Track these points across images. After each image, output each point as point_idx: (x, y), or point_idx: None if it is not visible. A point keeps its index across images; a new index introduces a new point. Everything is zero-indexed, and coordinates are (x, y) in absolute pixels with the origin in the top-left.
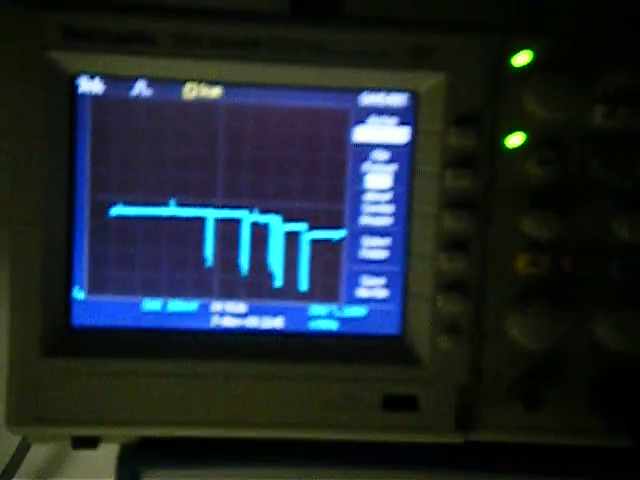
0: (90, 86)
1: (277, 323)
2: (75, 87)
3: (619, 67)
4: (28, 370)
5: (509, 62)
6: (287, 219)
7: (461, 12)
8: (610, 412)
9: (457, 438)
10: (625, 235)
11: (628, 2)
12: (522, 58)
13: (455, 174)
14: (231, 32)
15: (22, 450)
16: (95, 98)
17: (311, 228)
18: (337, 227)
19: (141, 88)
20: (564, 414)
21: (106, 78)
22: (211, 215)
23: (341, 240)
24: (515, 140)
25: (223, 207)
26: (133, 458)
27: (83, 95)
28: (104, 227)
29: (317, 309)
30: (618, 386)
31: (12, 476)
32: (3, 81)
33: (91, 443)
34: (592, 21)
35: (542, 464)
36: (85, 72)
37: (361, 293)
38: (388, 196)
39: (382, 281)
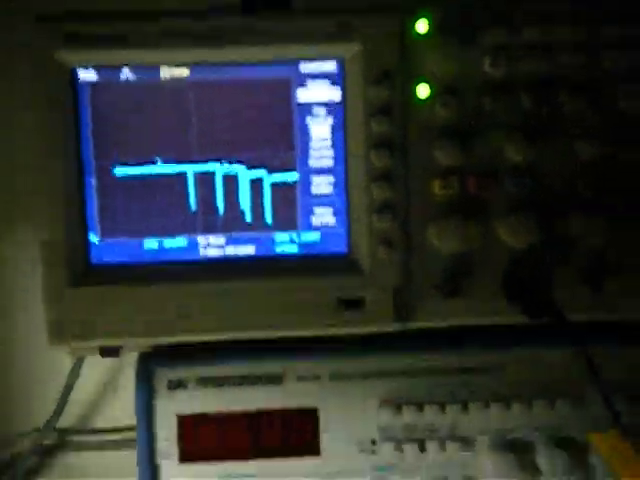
0: (87, 75)
1: (250, 250)
2: (75, 77)
3: (498, 27)
4: (60, 298)
5: (412, 30)
6: (250, 168)
7: None
8: (511, 296)
9: (397, 327)
10: (513, 157)
11: None
12: (422, 26)
13: (377, 120)
14: (194, 26)
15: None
16: (91, 84)
17: (270, 173)
18: (291, 170)
19: (127, 73)
20: (478, 301)
21: (98, 68)
22: (190, 170)
23: (295, 181)
24: (423, 91)
25: (199, 162)
26: (148, 360)
27: (82, 83)
28: (108, 185)
29: (280, 237)
30: (516, 275)
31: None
32: (21, 75)
33: (114, 352)
34: None
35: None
36: (82, 65)
37: (314, 221)
38: (328, 143)
39: (330, 210)
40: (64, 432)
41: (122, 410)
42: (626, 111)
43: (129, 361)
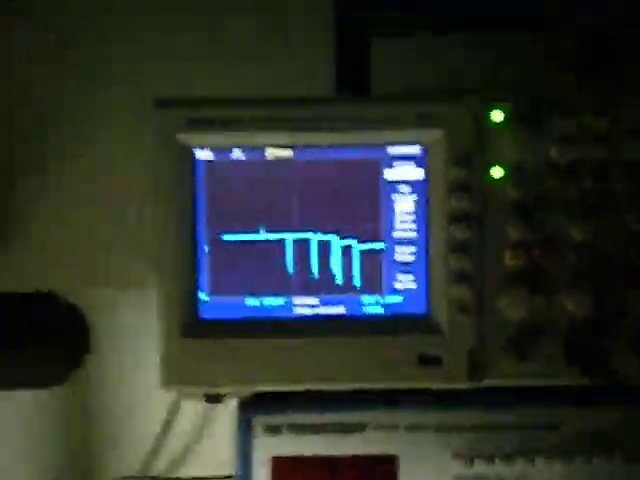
0: (203, 155)
1: (340, 310)
2: (193, 156)
3: (565, 116)
4: (173, 348)
5: (489, 118)
6: (342, 237)
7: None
8: (572, 361)
9: (470, 385)
10: (575, 233)
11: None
12: (497, 115)
13: (457, 198)
14: (295, 112)
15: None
16: (207, 162)
17: (360, 242)
18: (378, 240)
19: (237, 153)
20: (543, 364)
21: (213, 148)
22: (289, 237)
23: (381, 250)
24: (497, 172)
25: (297, 231)
26: (248, 408)
27: (199, 161)
28: (217, 250)
29: (367, 299)
30: (576, 342)
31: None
32: (150, 157)
33: (217, 399)
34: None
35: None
36: (199, 146)
37: (397, 286)
38: (412, 217)
39: (411, 277)
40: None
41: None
42: None
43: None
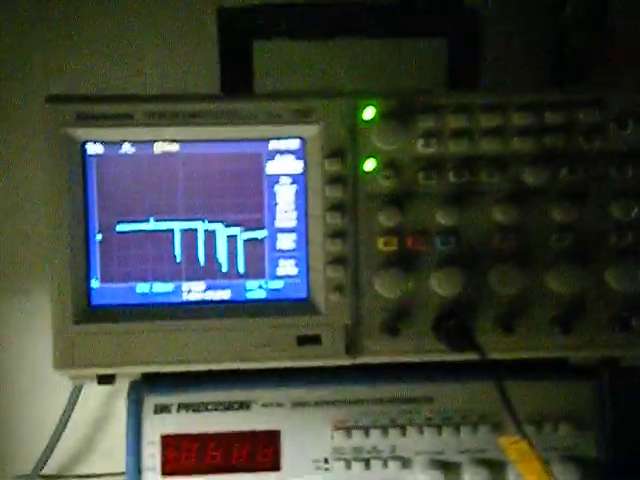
0: (94, 149)
1: (225, 295)
2: (84, 150)
3: (430, 114)
4: (65, 333)
5: (361, 115)
6: (228, 225)
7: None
8: (440, 337)
9: (347, 361)
10: (442, 221)
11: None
12: (369, 113)
13: (331, 188)
14: (181, 107)
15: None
16: (97, 157)
17: (244, 231)
18: (261, 229)
19: (127, 147)
20: (414, 340)
21: (103, 143)
22: (177, 226)
23: (264, 238)
24: (369, 165)
25: (185, 220)
26: (138, 388)
27: (90, 156)
28: (108, 239)
29: (251, 284)
30: (446, 318)
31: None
32: (38, 150)
33: (109, 379)
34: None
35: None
36: (90, 140)
37: (279, 272)
38: (292, 206)
39: (293, 263)
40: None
41: None
42: (531, 184)
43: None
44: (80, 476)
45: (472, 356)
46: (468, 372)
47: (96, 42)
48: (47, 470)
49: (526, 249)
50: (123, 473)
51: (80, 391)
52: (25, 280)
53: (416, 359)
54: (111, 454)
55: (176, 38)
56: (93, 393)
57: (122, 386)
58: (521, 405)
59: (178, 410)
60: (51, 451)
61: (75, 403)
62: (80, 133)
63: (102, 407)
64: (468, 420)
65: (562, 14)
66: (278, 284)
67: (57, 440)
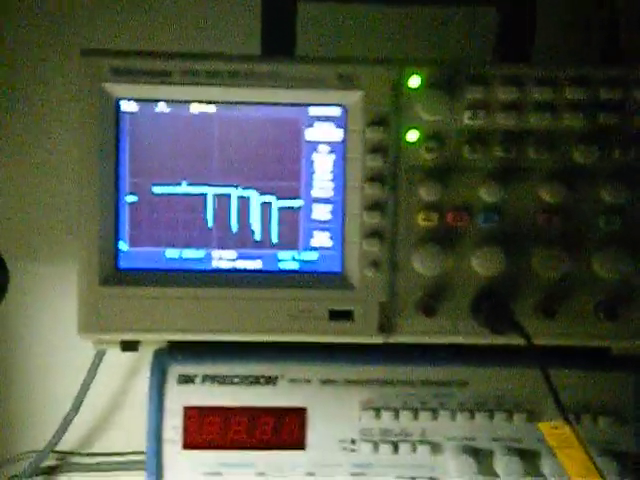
0: (128, 106)
1: (257, 264)
2: (118, 107)
3: (479, 85)
4: (91, 295)
5: (406, 83)
6: (262, 193)
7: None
8: (481, 317)
9: (379, 339)
10: (485, 197)
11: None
12: (414, 81)
13: (371, 158)
14: (221, 67)
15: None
16: (131, 115)
17: (278, 199)
18: (296, 197)
19: (162, 106)
20: (451, 321)
21: (138, 100)
22: (210, 192)
23: (299, 207)
24: (412, 136)
25: (218, 185)
26: (162, 357)
27: (124, 113)
28: (139, 201)
29: (283, 255)
30: (486, 299)
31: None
32: (72, 105)
33: (133, 346)
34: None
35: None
36: (125, 97)
37: (314, 243)
38: (330, 176)
39: (328, 235)
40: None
41: None
42: (581, 163)
43: None
44: (95, 454)
45: (512, 339)
46: (505, 356)
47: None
48: (63, 447)
49: (572, 231)
50: (142, 452)
51: (101, 361)
52: (50, 246)
53: (452, 341)
54: (129, 431)
55: None
56: (114, 367)
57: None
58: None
59: (202, 381)
60: (67, 426)
61: (95, 374)
62: (114, 89)
63: (123, 382)
64: (503, 407)
65: None
66: (312, 256)
67: (75, 414)
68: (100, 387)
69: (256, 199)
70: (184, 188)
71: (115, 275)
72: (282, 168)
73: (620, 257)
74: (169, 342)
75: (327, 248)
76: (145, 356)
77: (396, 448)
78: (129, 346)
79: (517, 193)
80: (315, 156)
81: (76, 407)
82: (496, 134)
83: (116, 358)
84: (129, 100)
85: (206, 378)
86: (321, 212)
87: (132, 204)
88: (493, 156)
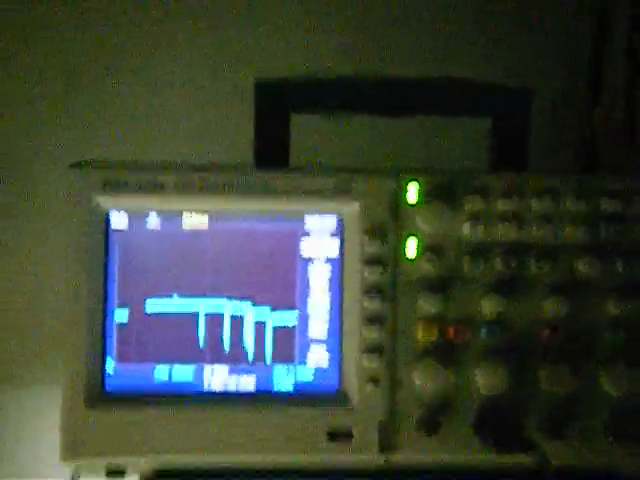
0: (118, 223)
1: (250, 383)
2: (108, 223)
3: (478, 196)
4: (75, 419)
5: (404, 195)
6: (255, 305)
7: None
8: (487, 437)
9: (380, 459)
10: (487, 310)
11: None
12: (412, 194)
13: (370, 270)
14: (214, 179)
15: None
16: (121, 232)
17: (273, 311)
18: (291, 309)
19: (153, 220)
20: (454, 440)
21: (128, 212)
22: (202, 310)
23: (294, 325)
24: (411, 247)
25: (210, 297)
26: None
27: (113, 230)
28: (128, 319)
29: (278, 373)
30: (491, 417)
31: None
32: (62, 217)
33: (120, 474)
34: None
35: None
36: (115, 209)
37: (310, 361)
38: (326, 290)
39: (324, 351)
40: None
41: None
42: (581, 275)
43: None
44: None
45: (520, 459)
46: (511, 477)
47: (127, 110)
48: None
49: (577, 345)
50: None
51: None
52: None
53: (455, 460)
54: None
55: (211, 108)
56: None
57: None
58: None
59: None
60: None
61: None
62: (105, 201)
63: None
64: None
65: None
66: (308, 374)
67: None
68: None
69: (250, 316)
70: (176, 302)
71: (102, 398)
72: (277, 281)
73: (627, 373)
74: (157, 470)
75: (323, 365)
76: None
77: None
78: (114, 473)
79: (520, 306)
80: (311, 269)
81: None
82: (497, 246)
83: None
84: (119, 211)
85: None
86: (317, 327)
87: (121, 322)
88: (494, 268)
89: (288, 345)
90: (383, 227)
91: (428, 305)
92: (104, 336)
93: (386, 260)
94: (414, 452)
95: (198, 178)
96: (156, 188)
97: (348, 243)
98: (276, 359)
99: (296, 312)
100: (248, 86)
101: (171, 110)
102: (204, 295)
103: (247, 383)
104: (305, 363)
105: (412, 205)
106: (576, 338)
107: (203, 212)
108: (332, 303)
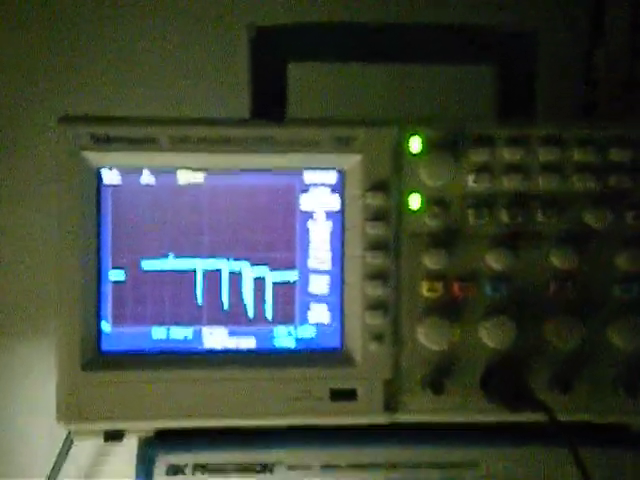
0: (111, 178)
1: (250, 342)
2: (100, 179)
3: (483, 146)
4: (71, 381)
5: (407, 146)
6: (254, 264)
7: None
8: (493, 393)
9: (385, 419)
10: (493, 264)
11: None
12: (415, 145)
13: (372, 225)
14: (210, 133)
15: (66, 446)
16: (114, 188)
17: (272, 270)
18: (291, 269)
19: (147, 177)
20: (460, 398)
21: (121, 169)
22: (199, 267)
23: (295, 282)
24: (414, 201)
25: (208, 257)
26: (149, 446)
27: (105, 186)
28: (123, 278)
29: (279, 331)
30: (498, 373)
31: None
32: (51, 176)
33: (118, 436)
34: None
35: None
36: (106, 166)
37: (311, 318)
38: (327, 246)
39: (326, 309)
40: None
41: None
42: (589, 227)
43: None
44: None
45: (527, 416)
46: (518, 435)
47: (117, 63)
48: None
49: (586, 299)
50: None
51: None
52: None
53: (462, 419)
54: None
55: (205, 58)
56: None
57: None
58: (575, 475)
59: (193, 472)
60: None
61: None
62: (96, 158)
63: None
64: None
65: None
66: (309, 332)
67: None
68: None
69: (248, 273)
70: (172, 263)
71: (98, 359)
72: (276, 238)
73: (637, 326)
74: (156, 430)
75: (325, 322)
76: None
77: None
78: (113, 436)
79: (526, 260)
80: (310, 224)
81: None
82: (502, 198)
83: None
84: (111, 169)
85: (197, 468)
86: (318, 284)
87: (116, 281)
88: (499, 221)
89: (288, 302)
90: (385, 180)
91: (432, 260)
92: (99, 296)
93: (389, 214)
94: (420, 412)
95: (193, 132)
96: (149, 143)
97: (349, 198)
98: (276, 316)
99: (296, 268)
100: (243, 35)
101: (167, 59)
102: (200, 255)
103: (247, 342)
104: (306, 321)
105: (415, 156)
106: (584, 291)
107: (198, 170)
108: (333, 259)
